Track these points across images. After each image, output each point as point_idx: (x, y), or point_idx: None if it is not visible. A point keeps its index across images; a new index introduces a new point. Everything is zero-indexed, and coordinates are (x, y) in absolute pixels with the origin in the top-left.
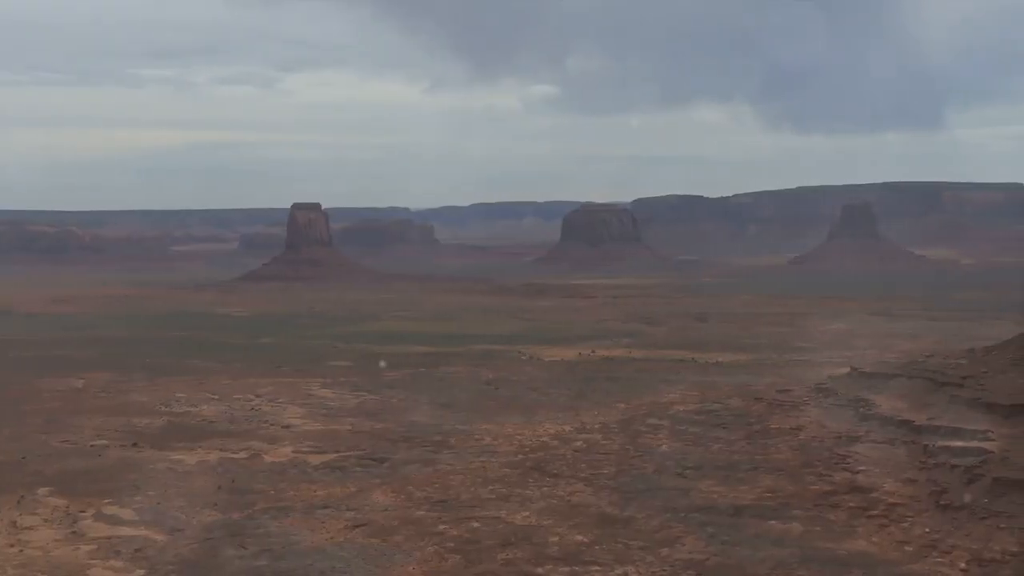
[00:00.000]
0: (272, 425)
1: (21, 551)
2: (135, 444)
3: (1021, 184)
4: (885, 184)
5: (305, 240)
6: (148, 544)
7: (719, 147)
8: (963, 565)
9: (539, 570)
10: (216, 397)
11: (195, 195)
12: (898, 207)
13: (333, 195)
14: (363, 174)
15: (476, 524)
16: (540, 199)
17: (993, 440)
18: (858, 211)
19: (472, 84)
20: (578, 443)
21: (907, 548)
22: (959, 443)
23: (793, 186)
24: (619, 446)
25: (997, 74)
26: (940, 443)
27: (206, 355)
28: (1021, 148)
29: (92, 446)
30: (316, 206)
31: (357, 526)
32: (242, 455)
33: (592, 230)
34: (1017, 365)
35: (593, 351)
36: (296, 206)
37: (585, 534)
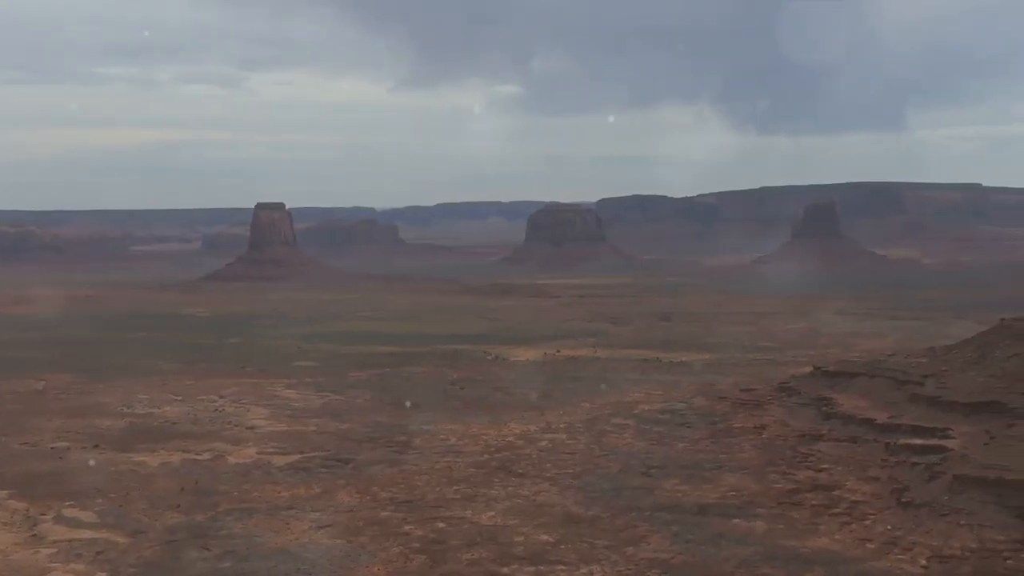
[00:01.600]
0: (236, 426)
1: None
2: (96, 446)
3: (980, 185)
4: (847, 184)
5: (269, 240)
6: (110, 547)
7: (683, 147)
8: (924, 562)
9: (504, 570)
10: (179, 398)
11: (158, 195)
12: (860, 207)
13: (297, 195)
14: (327, 174)
15: (441, 524)
16: (505, 199)
17: (953, 438)
18: (821, 211)
19: (437, 84)
20: (543, 443)
21: (869, 545)
22: (920, 441)
23: (757, 186)
24: (584, 446)
25: (957, 76)
26: (901, 441)
27: (169, 356)
28: (980, 149)
29: (53, 448)
30: (280, 206)
31: (322, 527)
32: (205, 456)
33: (557, 230)
34: (977, 364)
35: (558, 351)
36: (260, 206)
37: (550, 534)
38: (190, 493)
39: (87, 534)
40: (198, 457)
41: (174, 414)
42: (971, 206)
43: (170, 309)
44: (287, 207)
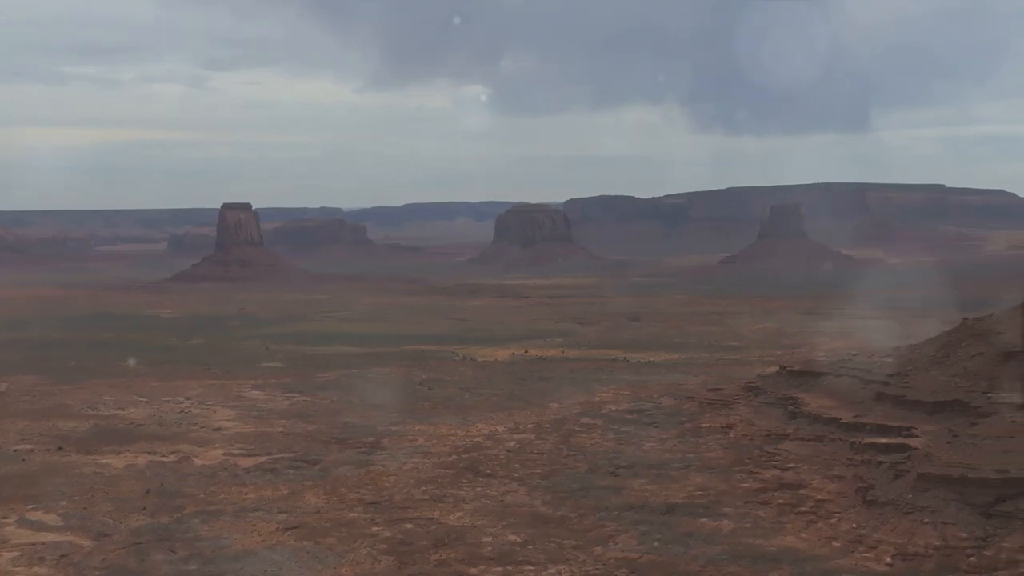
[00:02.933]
0: (202, 428)
1: None
2: (60, 448)
3: (943, 186)
4: (813, 185)
5: (235, 240)
6: (74, 550)
7: (651, 148)
8: (888, 559)
9: (472, 570)
10: (144, 400)
11: (122, 195)
12: (825, 207)
13: (264, 195)
14: (294, 174)
15: (409, 525)
16: (473, 199)
17: (917, 436)
18: (787, 212)
19: (404, 84)
20: (512, 443)
21: (834, 543)
22: (884, 440)
23: (723, 187)
24: (552, 446)
25: (919, 78)
26: (866, 440)
27: (134, 357)
28: (942, 150)
29: (16, 451)
30: (246, 206)
31: (289, 528)
32: (171, 458)
33: (525, 230)
34: (940, 363)
35: (526, 351)
36: (226, 206)
37: (518, 534)
38: (155, 495)
39: (51, 537)
40: (164, 459)
41: (139, 416)
42: (934, 206)
43: (135, 310)
44: (253, 207)
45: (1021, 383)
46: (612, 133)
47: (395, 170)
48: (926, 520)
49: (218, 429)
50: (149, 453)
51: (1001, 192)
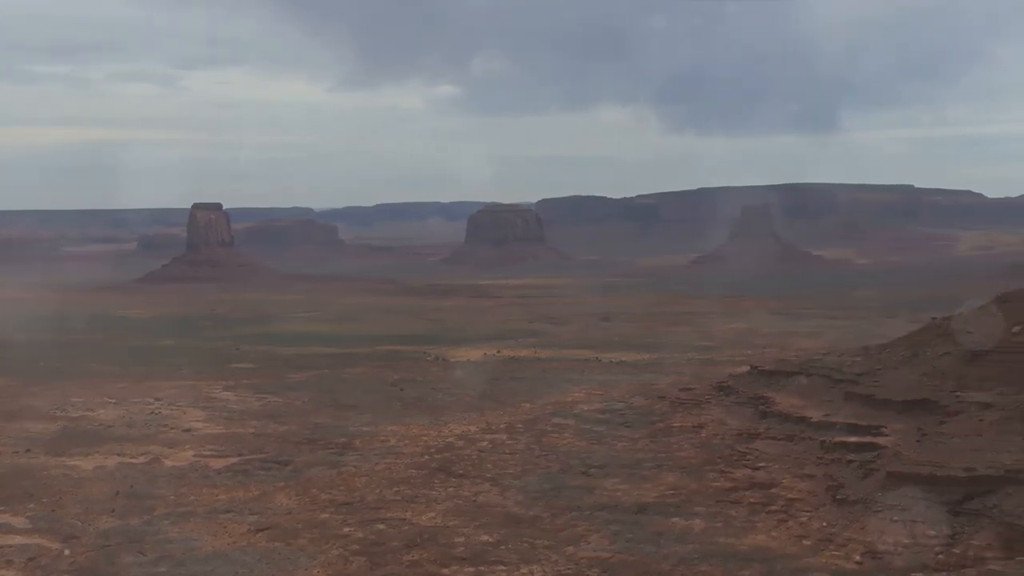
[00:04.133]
0: (172, 429)
1: None
2: (28, 450)
3: (912, 186)
4: (783, 186)
5: (206, 240)
6: (42, 552)
7: (622, 148)
8: (858, 558)
9: (445, 571)
10: (114, 401)
11: (92, 195)
12: (796, 208)
13: (234, 195)
14: (265, 174)
15: (381, 526)
16: (445, 199)
17: (887, 435)
18: (757, 212)
19: (376, 84)
20: (484, 443)
21: (805, 542)
22: (854, 439)
23: (695, 187)
24: (524, 446)
25: (889, 79)
26: (836, 439)
27: (104, 358)
28: (911, 151)
29: None
30: (217, 206)
31: (260, 530)
32: (141, 460)
33: (497, 230)
34: (909, 362)
35: (499, 351)
36: (196, 206)
37: (491, 534)
38: (125, 497)
39: (18, 540)
40: (133, 460)
41: (109, 417)
42: (904, 207)
43: (105, 311)
44: (224, 207)
45: (988, 382)
46: (584, 134)
47: (367, 170)
48: (895, 518)
49: (189, 430)
50: (118, 455)
51: (969, 193)
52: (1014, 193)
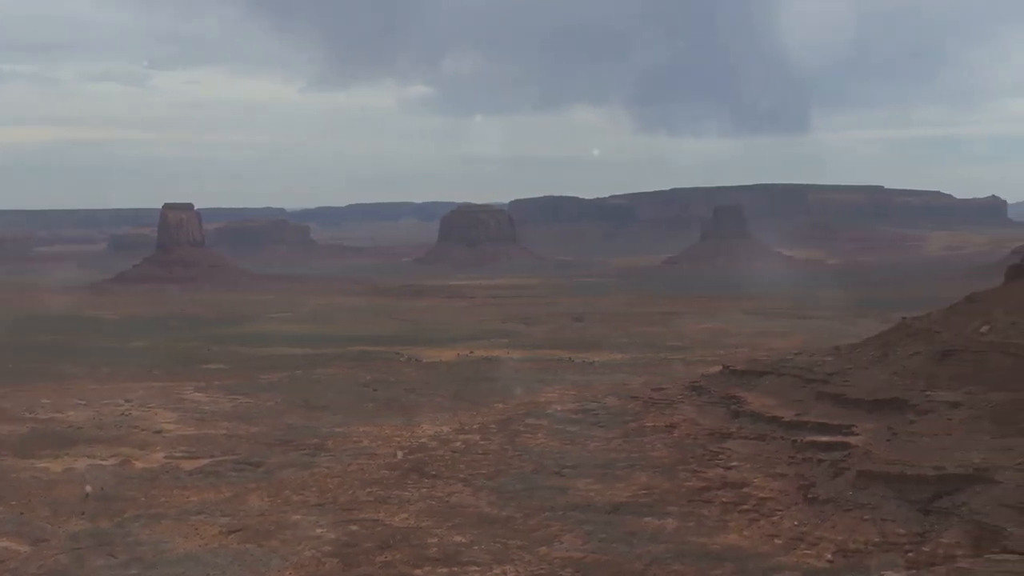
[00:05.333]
0: (143, 430)
1: None
2: None
3: (882, 187)
4: (754, 186)
5: (177, 241)
6: (10, 555)
7: (595, 149)
8: (829, 556)
9: (418, 572)
10: (84, 402)
11: (61, 194)
12: (767, 208)
13: (206, 195)
14: (237, 174)
15: (354, 527)
16: (418, 200)
17: (857, 434)
18: (729, 212)
19: (348, 84)
20: (457, 444)
21: (777, 541)
22: (825, 438)
23: (667, 187)
24: (498, 446)
25: (859, 81)
26: (808, 438)
27: (73, 359)
28: (880, 151)
29: None
30: (188, 206)
31: (232, 531)
32: (111, 462)
33: (470, 231)
34: (879, 362)
35: (472, 351)
36: (167, 206)
37: (464, 534)
38: (95, 499)
39: None
40: (104, 462)
41: (78, 419)
42: (873, 207)
43: (74, 311)
44: (195, 207)
45: (958, 381)
46: (557, 134)
47: (339, 170)
48: (866, 517)
49: (159, 432)
50: (88, 456)
51: (938, 193)
52: (982, 194)
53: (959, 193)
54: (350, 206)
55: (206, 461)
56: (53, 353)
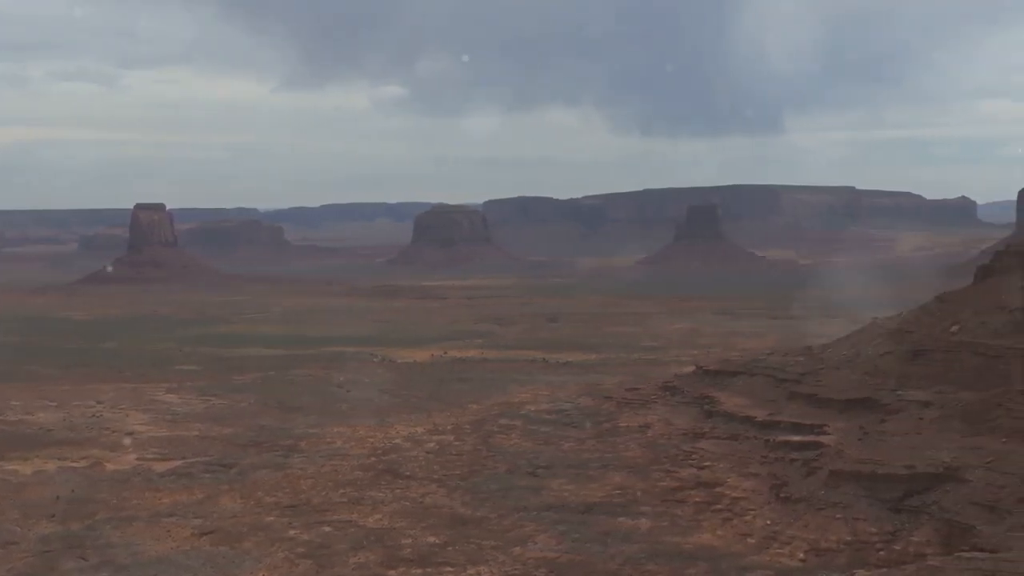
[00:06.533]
0: (114, 432)
1: None
2: None
3: (853, 188)
4: (728, 187)
5: (149, 241)
6: None
7: (568, 149)
8: (802, 555)
9: (391, 573)
10: (54, 404)
11: (30, 195)
12: (739, 209)
13: (178, 195)
14: (209, 174)
15: (327, 528)
16: (391, 200)
17: (829, 434)
18: (702, 213)
19: (321, 84)
20: (431, 444)
21: (750, 540)
22: (798, 438)
23: (640, 188)
24: (471, 447)
25: (831, 82)
26: (780, 438)
27: (44, 360)
28: (851, 153)
29: None
30: (160, 206)
31: (204, 533)
32: (82, 464)
33: (444, 231)
34: (851, 362)
35: (445, 352)
36: (139, 206)
37: (438, 535)
38: (66, 502)
39: None
40: (74, 464)
41: (49, 420)
42: (845, 208)
43: (44, 312)
44: (168, 208)
45: (928, 380)
46: (530, 134)
47: (313, 170)
48: (838, 516)
49: (131, 433)
50: (59, 459)
51: (909, 194)
52: (952, 195)
53: (929, 194)
54: (324, 206)
55: (178, 463)
56: (23, 354)
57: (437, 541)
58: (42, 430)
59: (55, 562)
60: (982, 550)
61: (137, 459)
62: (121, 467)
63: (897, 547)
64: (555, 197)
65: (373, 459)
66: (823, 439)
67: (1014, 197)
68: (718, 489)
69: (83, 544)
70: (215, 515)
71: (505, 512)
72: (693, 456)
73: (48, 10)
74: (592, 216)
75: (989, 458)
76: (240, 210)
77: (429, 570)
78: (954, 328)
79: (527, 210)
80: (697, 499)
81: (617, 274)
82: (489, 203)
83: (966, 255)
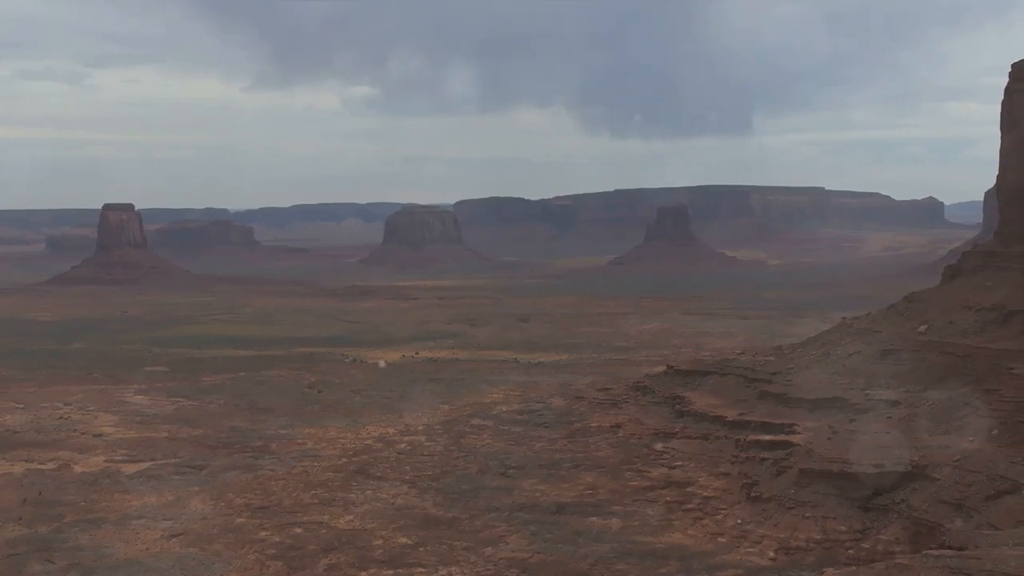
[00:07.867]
0: (83, 434)
1: None
2: None
3: (822, 188)
4: (698, 188)
5: (118, 242)
6: None
7: (539, 150)
8: (772, 554)
9: (363, 574)
10: (21, 406)
11: None
12: (710, 210)
13: (147, 195)
14: (179, 174)
15: (298, 530)
16: (362, 200)
17: (799, 433)
18: (673, 213)
19: (291, 84)
20: (402, 445)
21: (720, 539)
22: (768, 437)
23: (611, 189)
24: (443, 447)
25: (799, 83)
26: (750, 437)
27: (9, 362)
28: (820, 154)
29: None
30: (129, 207)
31: (174, 536)
32: (50, 466)
33: (415, 232)
34: (820, 361)
35: (417, 352)
36: (107, 207)
37: (409, 536)
38: (33, 504)
39: None
40: (42, 467)
41: (16, 423)
42: (814, 208)
43: (10, 313)
44: (136, 208)
45: (897, 380)
46: (501, 135)
47: (283, 170)
48: (808, 515)
49: (99, 435)
50: (26, 461)
51: (877, 195)
52: (919, 196)
53: (897, 195)
54: (294, 207)
55: (147, 464)
56: None
57: (409, 542)
58: (9, 432)
59: (22, 565)
60: (950, 548)
61: (106, 461)
62: (89, 469)
63: (866, 545)
64: (526, 198)
65: (344, 460)
66: (793, 438)
67: (981, 198)
68: (689, 488)
69: (51, 547)
70: (185, 517)
71: (477, 512)
72: (664, 456)
73: (15, 9)
74: (563, 217)
75: (957, 456)
76: (210, 210)
77: (400, 571)
78: (922, 328)
79: (498, 211)
80: (668, 498)
81: (588, 274)
82: (460, 204)
83: (934, 255)
